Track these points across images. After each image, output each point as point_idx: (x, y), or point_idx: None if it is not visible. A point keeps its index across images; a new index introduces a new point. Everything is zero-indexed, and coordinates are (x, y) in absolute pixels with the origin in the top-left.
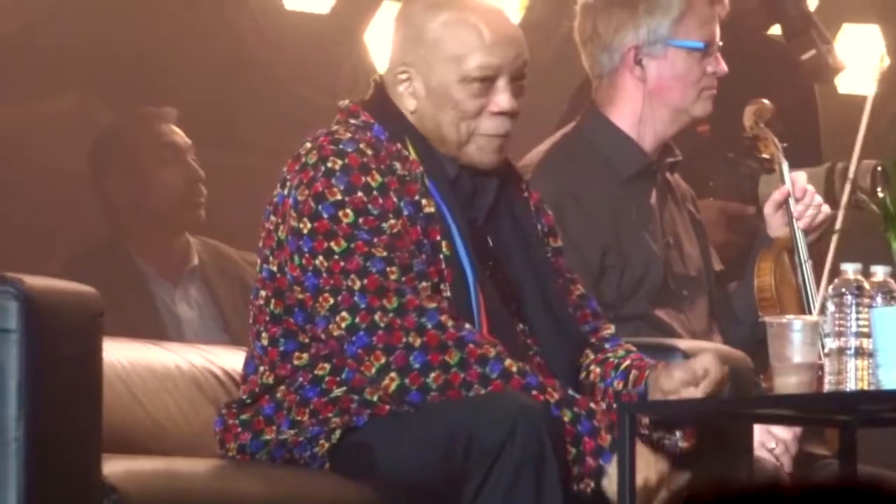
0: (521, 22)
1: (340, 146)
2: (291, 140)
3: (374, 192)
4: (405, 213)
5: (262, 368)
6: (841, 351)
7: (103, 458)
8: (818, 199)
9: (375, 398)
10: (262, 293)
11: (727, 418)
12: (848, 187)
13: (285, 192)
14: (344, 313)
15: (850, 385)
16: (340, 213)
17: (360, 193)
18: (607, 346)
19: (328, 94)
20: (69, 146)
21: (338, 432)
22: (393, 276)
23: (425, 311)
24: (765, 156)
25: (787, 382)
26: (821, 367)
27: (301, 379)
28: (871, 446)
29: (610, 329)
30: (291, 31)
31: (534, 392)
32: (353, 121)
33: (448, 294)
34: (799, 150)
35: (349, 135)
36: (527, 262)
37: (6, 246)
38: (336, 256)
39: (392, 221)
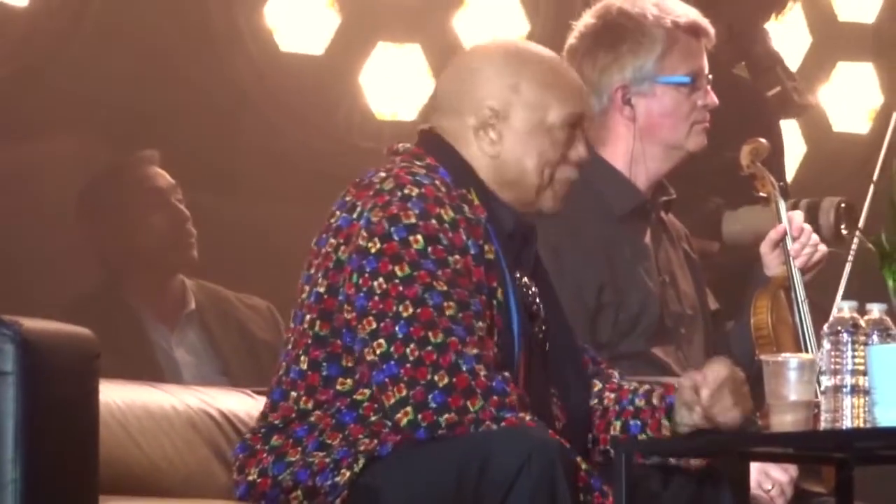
0: None
1: (417, 177)
2: (287, 183)
3: (446, 225)
4: (472, 251)
5: (294, 394)
6: (837, 389)
7: (100, 499)
8: (815, 237)
9: (404, 424)
10: (308, 317)
11: (723, 456)
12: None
13: (353, 216)
14: (381, 340)
15: (846, 423)
16: (411, 238)
17: (433, 221)
18: (614, 379)
19: (323, 136)
20: (67, 189)
21: (361, 461)
22: (449, 312)
23: (463, 354)
24: (762, 194)
25: (784, 420)
26: (817, 405)
27: (339, 404)
28: (867, 484)
29: (612, 370)
30: (287, 73)
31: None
32: (418, 162)
33: (495, 339)
34: None
35: (423, 171)
36: (555, 314)
37: (5, 289)
38: (397, 280)
39: (458, 257)
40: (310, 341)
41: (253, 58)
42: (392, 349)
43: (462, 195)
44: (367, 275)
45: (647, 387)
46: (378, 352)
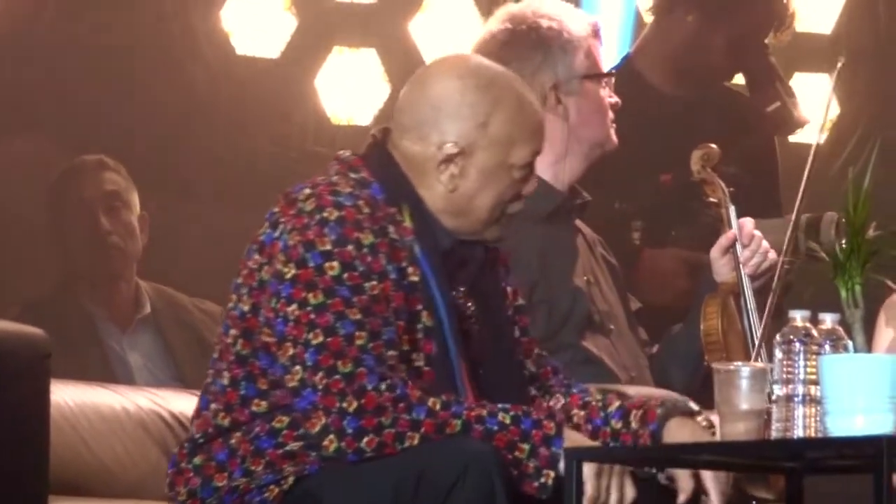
0: None
1: (339, 198)
2: (242, 187)
3: (364, 250)
4: (391, 276)
5: (214, 406)
6: (789, 398)
7: (50, 499)
8: (765, 245)
9: (332, 451)
10: (232, 331)
11: (672, 464)
12: (789, 234)
13: (276, 233)
14: (297, 367)
15: (798, 432)
16: (327, 265)
17: (350, 247)
18: (574, 390)
19: (278, 140)
20: (23, 191)
21: (291, 479)
22: (360, 342)
23: (367, 375)
24: (711, 199)
25: (735, 429)
26: (768, 414)
27: (258, 429)
28: (818, 494)
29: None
30: (243, 76)
31: (464, 413)
32: (353, 175)
33: (420, 364)
34: (758, 201)
35: (349, 189)
36: (492, 330)
37: None
38: (309, 308)
39: (375, 283)
40: (232, 358)
41: (208, 60)
42: (307, 376)
43: (390, 215)
44: (283, 300)
45: (617, 404)
46: (296, 378)
